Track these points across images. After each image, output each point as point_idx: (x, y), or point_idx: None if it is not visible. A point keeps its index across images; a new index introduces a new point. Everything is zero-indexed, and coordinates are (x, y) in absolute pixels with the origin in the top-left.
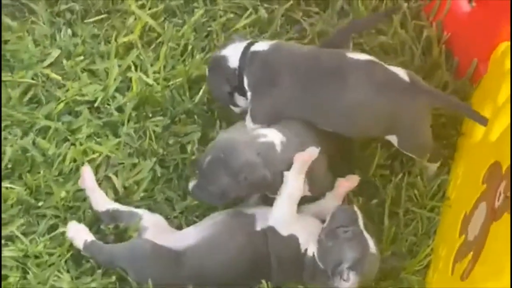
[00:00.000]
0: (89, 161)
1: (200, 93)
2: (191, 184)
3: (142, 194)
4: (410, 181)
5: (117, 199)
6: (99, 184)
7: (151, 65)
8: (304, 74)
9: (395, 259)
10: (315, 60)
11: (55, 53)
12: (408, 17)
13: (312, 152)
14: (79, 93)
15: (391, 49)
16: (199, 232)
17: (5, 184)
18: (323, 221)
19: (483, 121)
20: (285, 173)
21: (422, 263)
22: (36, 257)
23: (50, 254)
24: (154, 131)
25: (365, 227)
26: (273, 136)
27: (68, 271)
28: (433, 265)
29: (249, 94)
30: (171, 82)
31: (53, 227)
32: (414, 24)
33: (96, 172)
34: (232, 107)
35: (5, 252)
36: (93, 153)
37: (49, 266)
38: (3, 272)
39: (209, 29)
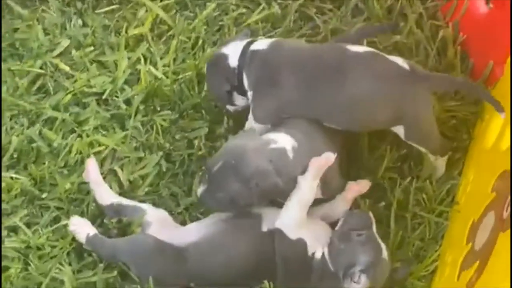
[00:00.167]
0: (95, 154)
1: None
2: (199, 190)
3: (147, 189)
4: (419, 185)
5: (122, 193)
6: (104, 177)
7: (161, 58)
8: (305, 71)
9: (403, 267)
10: (316, 56)
11: (65, 43)
12: (424, 16)
13: (329, 158)
14: (87, 84)
15: (406, 48)
16: (203, 229)
17: (10, 174)
18: (330, 224)
19: (497, 104)
20: (299, 177)
21: (428, 269)
22: (38, 248)
23: (53, 246)
24: (161, 125)
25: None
26: (284, 141)
27: (70, 264)
28: (439, 271)
29: (250, 93)
30: (180, 76)
31: (56, 219)
32: (430, 24)
33: (101, 165)
34: (228, 106)
35: (7, 243)
36: (99, 145)
37: (51, 258)
38: (4, 263)
39: (221, 23)
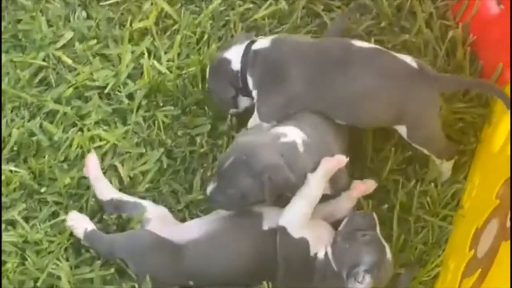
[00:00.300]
0: (96, 148)
1: None
2: (209, 188)
3: (147, 185)
4: (423, 188)
5: (122, 189)
6: (104, 173)
7: (165, 53)
8: (310, 66)
9: (406, 273)
10: (320, 51)
11: (68, 35)
12: (434, 16)
13: (341, 160)
14: (90, 77)
15: (414, 48)
16: (203, 227)
17: (9, 167)
18: (331, 224)
19: (508, 101)
20: (309, 174)
21: (430, 274)
22: (36, 243)
23: (50, 242)
24: (163, 121)
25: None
26: (294, 135)
27: (67, 260)
28: (441, 277)
29: (254, 92)
30: (184, 71)
31: (55, 214)
32: (439, 24)
33: (102, 160)
34: (231, 110)
35: (5, 237)
36: (100, 140)
37: (49, 253)
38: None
39: (226, 18)
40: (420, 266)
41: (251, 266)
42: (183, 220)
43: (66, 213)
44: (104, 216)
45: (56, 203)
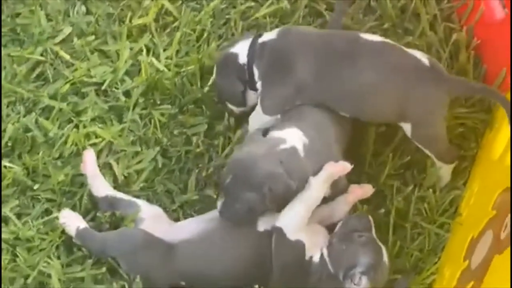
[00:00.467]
0: (91, 146)
1: (211, 82)
2: (218, 205)
3: (142, 184)
4: (421, 194)
5: (116, 187)
6: (99, 170)
7: (164, 50)
8: (317, 57)
9: (402, 281)
10: (327, 42)
11: (67, 30)
12: (438, 18)
13: (345, 167)
14: (87, 74)
15: (417, 50)
16: (196, 226)
17: (4, 162)
18: (326, 227)
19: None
20: (310, 178)
21: (425, 282)
22: (28, 240)
23: (42, 239)
24: (159, 120)
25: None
26: (294, 139)
27: (58, 258)
28: (437, 285)
29: (259, 84)
30: (182, 69)
31: (48, 212)
32: (444, 26)
33: (97, 158)
34: (234, 108)
35: None
36: (96, 137)
37: (40, 251)
38: None
39: (227, 16)
40: (415, 273)
41: (244, 268)
42: (177, 220)
43: (59, 210)
44: (98, 214)
45: (49, 200)
